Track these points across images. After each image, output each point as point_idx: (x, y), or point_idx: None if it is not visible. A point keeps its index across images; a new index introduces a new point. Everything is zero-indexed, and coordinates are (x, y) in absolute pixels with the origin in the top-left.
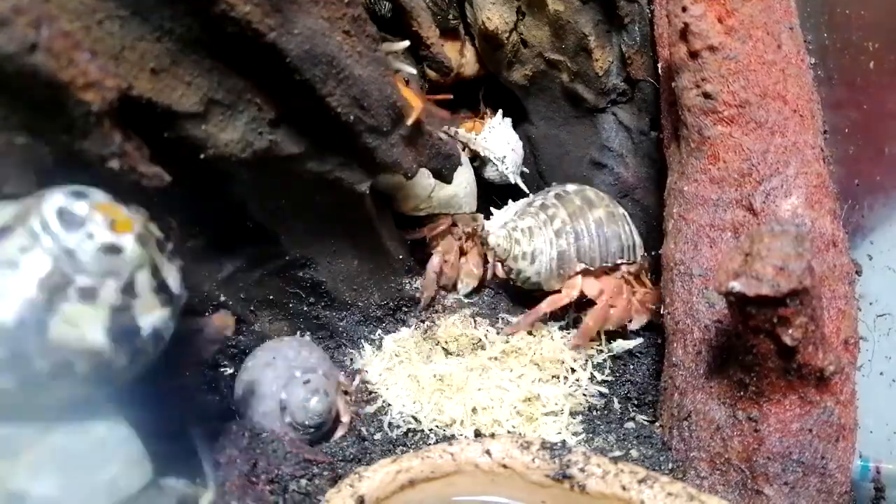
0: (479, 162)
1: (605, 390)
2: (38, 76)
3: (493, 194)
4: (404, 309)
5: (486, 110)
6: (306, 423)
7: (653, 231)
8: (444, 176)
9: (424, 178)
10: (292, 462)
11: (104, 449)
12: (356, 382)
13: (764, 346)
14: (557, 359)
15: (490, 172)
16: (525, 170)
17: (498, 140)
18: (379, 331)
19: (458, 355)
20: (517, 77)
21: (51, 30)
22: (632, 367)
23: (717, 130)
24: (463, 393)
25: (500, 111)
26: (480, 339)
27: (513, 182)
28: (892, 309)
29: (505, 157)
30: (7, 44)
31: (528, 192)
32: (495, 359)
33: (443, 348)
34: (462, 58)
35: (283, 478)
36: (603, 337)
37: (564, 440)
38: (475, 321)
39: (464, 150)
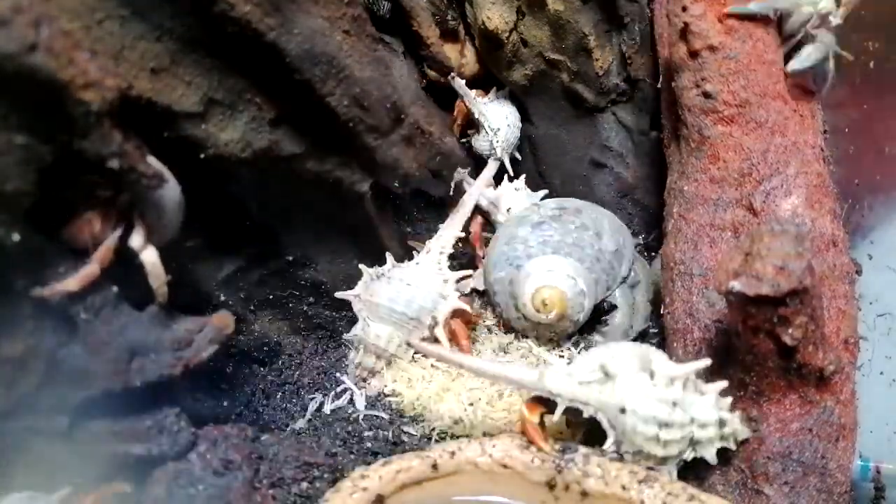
0: (473, 130)
1: None
2: (38, 76)
3: (478, 171)
4: None
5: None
6: None
7: (653, 231)
8: (443, 176)
9: None
10: (293, 465)
11: None
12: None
13: (764, 345)
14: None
15: (481, 142)
16: (517, 155)
17: (497, 111)
18: None
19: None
20: (517, 77)
21: (51, 29)
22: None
23: (717, 130)
24: (462, 391)
25: (507, 88)
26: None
27: (499, 157)
28: (892, 309)
29: (499, 129)
30: (7, 43)
31: (512, 174)
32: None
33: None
34: (462, 58)
35: (286, 481)
36: None
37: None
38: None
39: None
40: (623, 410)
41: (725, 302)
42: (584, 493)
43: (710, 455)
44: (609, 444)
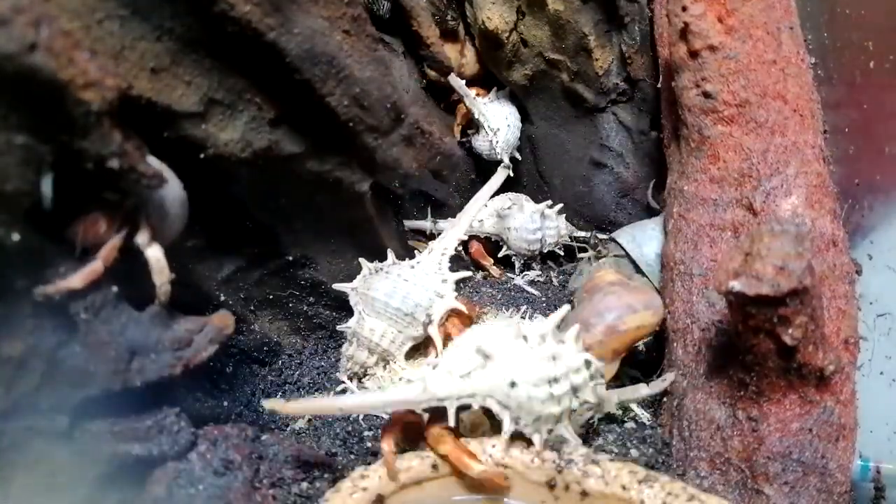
0: (472, 129)
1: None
2: (38, 76)
3: (478, 172)
4: None
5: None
6: None
7: None
8: (443, 176)
9: None
10: (293, 465)
11: None
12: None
13: (764, 345)
14: None
15: (481, 142)
16: (517, 155)
17: (496, 111)
18: None
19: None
20: (517, 77)
21: (50, 29)
22: (631, 367)
23: (717, 130)
24: None
25: (508, 88)
26: None
27: (498, 158)
28: (892, 308)
29: (499, 129)
30: (7, 43)
31: (511, 174)
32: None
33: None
34: (462, 58)
35: (286, 481)
36: None
37: (564, 440)
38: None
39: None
40: (513, 384)
41: (725, 302)
42: (584, 493)
43: (591, 397)
44: (507, 428)
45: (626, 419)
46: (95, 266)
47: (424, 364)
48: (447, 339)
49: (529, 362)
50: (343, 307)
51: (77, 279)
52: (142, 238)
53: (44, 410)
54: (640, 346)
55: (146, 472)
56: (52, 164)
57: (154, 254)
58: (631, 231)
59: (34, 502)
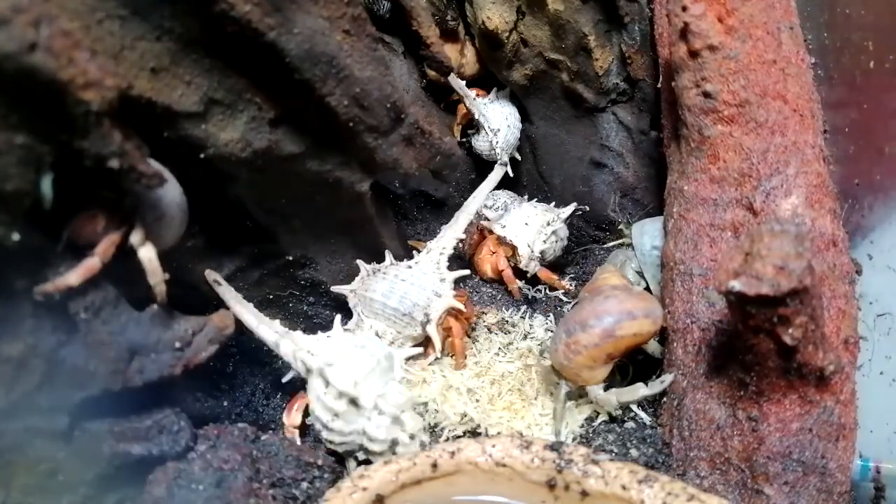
0: (473, 129)
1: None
2: (38, 75)
3: (478, 172)
4: None
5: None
6: None
7: None
8: (443, 176)
9: None
10: (293, 465)
11: None
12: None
13: (764, 345)
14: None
15: (481, 142)
16: (517, 155)
17: (496, 112)
18: None
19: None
20: (517, 77)
21: (51, 29)
22: (631, 366)
23: (717, 130)
24: (463, 389)
25: (508, 89)
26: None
27: (498, 158)
28: (892, 308)
29: (499, 130)
30: (7, 43)
31: (511, 174)
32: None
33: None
34: (462, 58)
35: (286, 481)
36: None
37: (564, 440)
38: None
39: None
40: None
41: (725, 302)
42: (584, 493)
43: None
44: None
45: (626, 419)
46: (92, 262)
47: None
48: (448, 332)
49: None
50: (343, 307)
51: (74, 276)
52: (135, 238)
53: (44, 410)
54: (650, 348)
55: (146, 472)
56: (52, 164)
57: (146, 254)
58: (645, 223)
59: (34, 502)
